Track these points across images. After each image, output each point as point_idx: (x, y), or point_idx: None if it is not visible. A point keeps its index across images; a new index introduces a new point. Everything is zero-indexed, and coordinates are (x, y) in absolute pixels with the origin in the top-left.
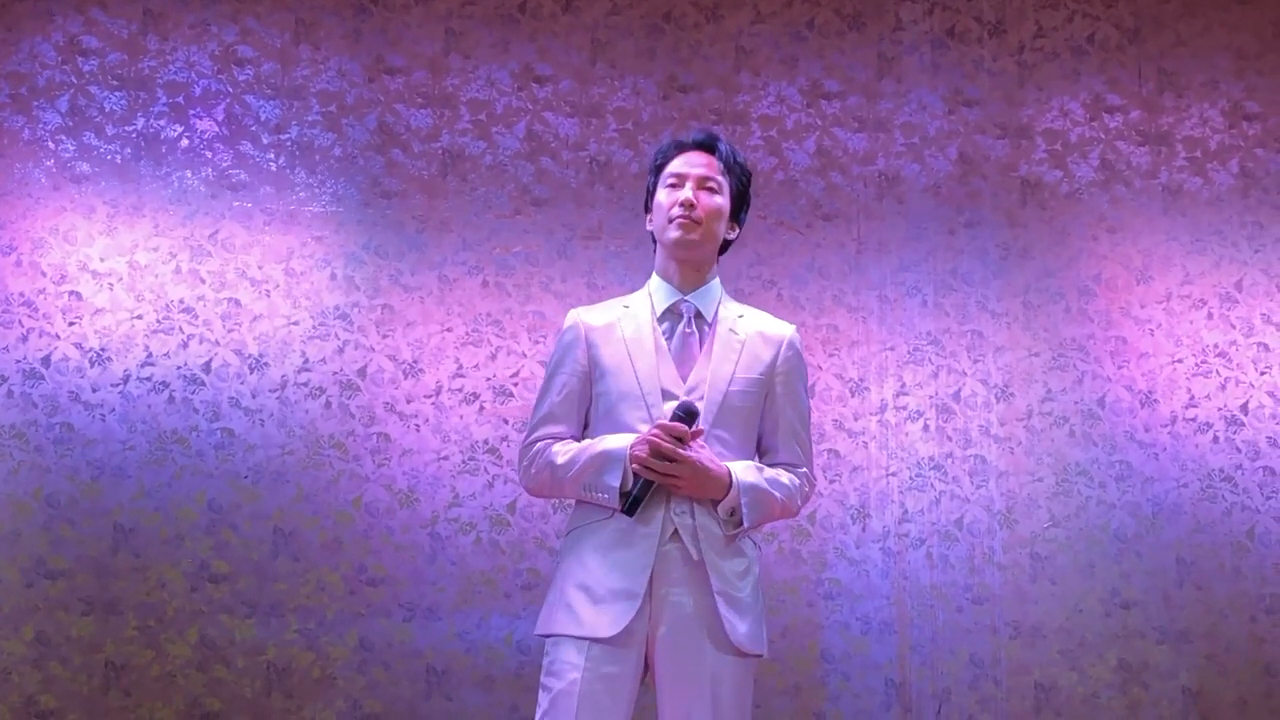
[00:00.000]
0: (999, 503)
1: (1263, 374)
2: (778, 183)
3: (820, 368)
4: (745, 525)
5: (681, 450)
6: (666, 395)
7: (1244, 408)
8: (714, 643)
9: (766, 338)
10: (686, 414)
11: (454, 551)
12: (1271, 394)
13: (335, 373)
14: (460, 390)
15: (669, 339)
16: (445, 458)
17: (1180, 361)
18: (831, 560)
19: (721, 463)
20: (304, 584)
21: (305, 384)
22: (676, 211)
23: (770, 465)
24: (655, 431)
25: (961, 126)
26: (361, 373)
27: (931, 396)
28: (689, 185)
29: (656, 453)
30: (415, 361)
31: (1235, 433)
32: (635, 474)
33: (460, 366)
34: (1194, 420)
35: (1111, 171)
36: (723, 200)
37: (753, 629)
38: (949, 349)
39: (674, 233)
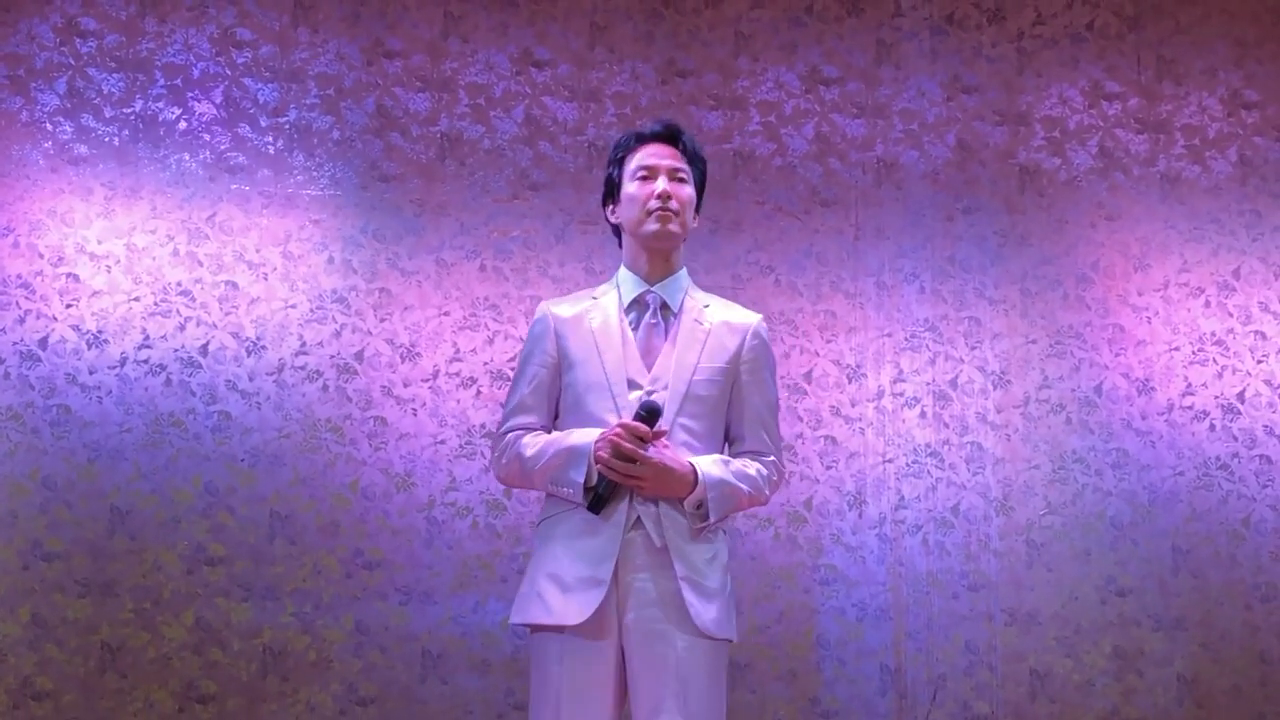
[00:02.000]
0: (995, 490)
1: (1260, 362)
2: (776, 168)
3: (817, 354)
4: (711, 520)
5: (642, 451)
6: (632, 385)
7: (1241, 396)
8: (681, 628)
9: (732, 327)
10: (649, 412)
11: (450, 535)
12: (1268, 382)
13: (332, 356)
14: (457, 374)
15: (635, 330)
16: (442, 442)
17: (1177, 349)
18: (828, 546)
19: (685, 459)
20: (300, 567)
21: (302, 367)
22: (655, 204)
23: (738, 454)
24: (617, 431)
25: (960, 113)
26: (359, 356)
27: (929, 383)
28: (661, 177)
29: (618, 453)
30: (412, 345)
31: (1232, 421)
32: (600, 474)
33: (457, 350)
34: (1191, 408)
35: (1110, 159)
36: (691, 190)
37: (721, 614)
38: (946, 336)
39: (653, 225)
